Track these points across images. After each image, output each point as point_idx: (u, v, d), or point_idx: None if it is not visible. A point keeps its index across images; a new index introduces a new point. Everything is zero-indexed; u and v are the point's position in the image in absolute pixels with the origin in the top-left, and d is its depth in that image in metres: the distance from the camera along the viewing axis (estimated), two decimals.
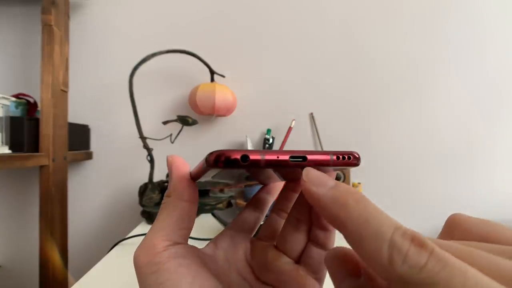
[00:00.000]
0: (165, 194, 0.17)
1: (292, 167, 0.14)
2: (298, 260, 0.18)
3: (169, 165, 0.19)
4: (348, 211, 0.11)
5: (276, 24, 0.91)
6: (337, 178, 0.84)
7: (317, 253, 0.17)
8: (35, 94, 0.75)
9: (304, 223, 0.18)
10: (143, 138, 0.69)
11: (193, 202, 0.17)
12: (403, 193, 0.93)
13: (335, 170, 0.17)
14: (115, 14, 0.89)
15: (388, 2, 0.92)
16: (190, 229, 0.17)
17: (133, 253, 0.15)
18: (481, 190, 0.94)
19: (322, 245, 0.17)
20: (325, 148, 0.91)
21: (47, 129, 0.70)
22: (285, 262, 0.17)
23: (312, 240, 0.18)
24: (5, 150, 0.63)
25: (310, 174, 0.13)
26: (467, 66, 0.93)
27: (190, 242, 0.17)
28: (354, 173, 0.89)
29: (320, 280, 0.17)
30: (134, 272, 0.15)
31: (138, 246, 0.15)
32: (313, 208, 0.17)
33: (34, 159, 0.66)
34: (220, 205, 0.72)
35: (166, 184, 0.73)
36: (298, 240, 0.17)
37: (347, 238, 0.11)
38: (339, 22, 0.92)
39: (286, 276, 0.17)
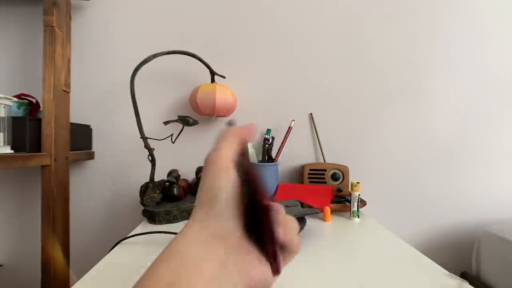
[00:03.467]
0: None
1: None
2: None
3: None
4: None
5: (276, 25, 0.92)
6: (336, 178, 0.84)
7: None
8: (37, 94, 0.75)
9: None
10: (144, 138, 0.69)
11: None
12: (402, 192, 0.94)
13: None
14: (116, 15, 0.90)
15: (387, 2, 0.92)
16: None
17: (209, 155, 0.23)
18: (482, 190, 0.94)
19: None
20: (324, 148, 0.91)
21: (49, 129, 0.71)
22: None
23: None
24: (7, 150, 0.64)
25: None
26: (467, 66, 0.94)
27: None
28: (353, 173, 0.90)
29: None
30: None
31: (214, 152, 0.22)
32: None
33: (36, 159, 0.67)
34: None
35: (167, 183, 0.74)
36: None
37: None
38: (339, 23, 0.92)
39: None
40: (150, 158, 0.71)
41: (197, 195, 0.22)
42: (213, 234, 0.19)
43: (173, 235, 0.55)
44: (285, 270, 0.44)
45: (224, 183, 0.21)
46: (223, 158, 0.22)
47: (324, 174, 0.85)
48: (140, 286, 0.17)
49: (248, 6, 0.91)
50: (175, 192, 0.72)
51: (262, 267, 0.21)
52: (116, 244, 0.55)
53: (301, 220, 0.60)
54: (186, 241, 0.19)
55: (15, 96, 0.72)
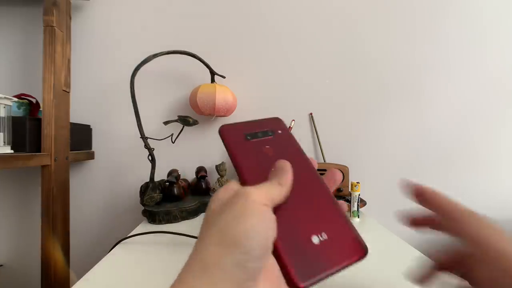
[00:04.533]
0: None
1: None
2: None
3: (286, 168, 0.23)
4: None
5: (276, 25, 0.92)
6: None
7: None
8: (37, 94, 0.75)
9: None
10: (144, 138, 0.69)
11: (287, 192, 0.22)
12: (401, 192, 0.94)
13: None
14: (116, 15, 0.90)
15: (387, 2, 0.92)
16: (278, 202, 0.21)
17: (250, 194, 0.20)
18: (481, 190, 0.94)
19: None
20: (324, 148, 0.91)
21: (49, 129, 0.71)
22: None
23: None
24: (7, 150, 0.64)
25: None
26: (466, 66, 0.93)
27: None
28: (353, 173, 0.90)
29: None
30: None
31: (255, 192, 0.20)
32: None
33: (36, 159, 0.67)
34: None
35: (167, 183, 0.74)
36: None
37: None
38: (339, 23, 0.92)
39: None
40: (150, 158, 0.71)
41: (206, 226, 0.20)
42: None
43: (173, 235, 0.55)
44: None
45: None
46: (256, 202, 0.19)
47: (324, 174, 0.84)
48: None
49: (248, 6, 0.91)
50: (175, 192, 0.72)
51: None
52: (116, 244, 0.54)
53: None
54: None
55: (15, 96, 0.72)
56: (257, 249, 0.18)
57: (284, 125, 0.29)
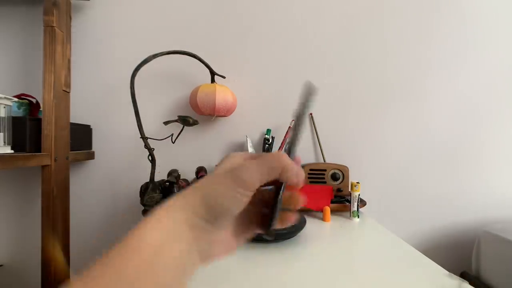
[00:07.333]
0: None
1: None
2: None
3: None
4: None
5: (276, 25, 0.92)
6: (336, 178, 0.84)
7: None
8: (37, 94, 0.75)
9: None
10: (144, 138, 0.69)
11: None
12: (402, 192, 0.94)
13: None
14: (116, 15, 0.90)
15: (386, 3, 0.92)
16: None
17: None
18: (481, 190, 0.94)
19: None
20: (324, 148, 0.91)
21: (49, 129, 0.71)
22: None
23: None
24: (7, 150, 0.64)
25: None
26: (467, 65, 0.94)
27: None
28: (353, 173, 0.90)
29: None
30: None
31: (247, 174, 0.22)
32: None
33: (36, 159, 0.67)
34: None
35: (167, 183, 0.74)
36: None
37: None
38: (339, 23, 0.92)
39: None
40: (150, 158, 0.71)
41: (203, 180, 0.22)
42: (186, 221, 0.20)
43: None
44: (285, 270, 0.44)
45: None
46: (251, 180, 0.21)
47: (324, 174, 0.85)
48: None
49: (248, 6, 0.91)
50: (175, 192, 0.72)
51: (224, 247, 0.23)
52: None
53: (301, 220, 0.60)
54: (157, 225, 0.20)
55: (15, 96, 0.72)
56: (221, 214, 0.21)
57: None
